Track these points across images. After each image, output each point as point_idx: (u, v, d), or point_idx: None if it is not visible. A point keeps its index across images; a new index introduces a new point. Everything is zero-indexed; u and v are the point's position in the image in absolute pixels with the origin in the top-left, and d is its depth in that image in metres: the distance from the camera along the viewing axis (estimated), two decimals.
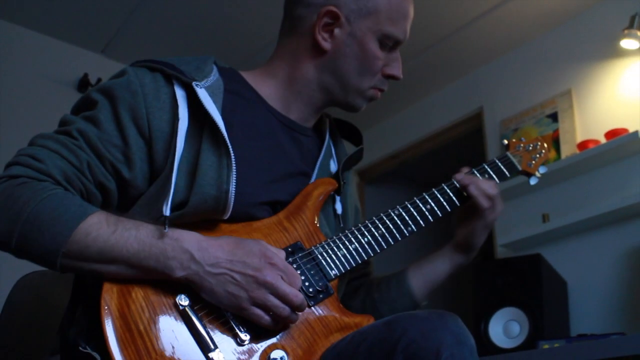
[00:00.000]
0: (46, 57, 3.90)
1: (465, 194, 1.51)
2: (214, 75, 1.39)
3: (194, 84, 1.32)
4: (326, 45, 1.44)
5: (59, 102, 3.81)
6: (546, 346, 2.50)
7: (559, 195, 3.51)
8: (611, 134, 3.27)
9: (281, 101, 1.49)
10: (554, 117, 3.65)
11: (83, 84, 3.92)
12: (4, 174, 1.20)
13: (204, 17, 3.79)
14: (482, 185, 1.50)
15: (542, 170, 1.66)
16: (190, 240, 1.18)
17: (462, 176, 1.53)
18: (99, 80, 3.89)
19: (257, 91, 1.47)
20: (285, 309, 1.19)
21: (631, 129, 3.21)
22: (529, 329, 2.80)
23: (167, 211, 1.20)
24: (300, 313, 1.24)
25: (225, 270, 1.17)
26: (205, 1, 3.66)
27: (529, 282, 2.92)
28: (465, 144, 4.31)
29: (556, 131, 3.59)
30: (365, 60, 1.45)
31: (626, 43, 3.36)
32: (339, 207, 1.53)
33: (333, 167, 1.57)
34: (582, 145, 3.37)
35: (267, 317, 1.19)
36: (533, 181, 1.66)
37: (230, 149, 1.28)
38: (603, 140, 3.32)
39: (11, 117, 3.63)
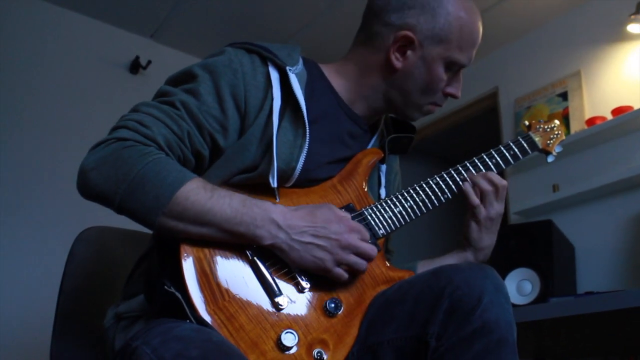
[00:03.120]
0: (100, 41, 3.92)
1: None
2: (300, 65, 1.43)
3: (287, 68, 1.35)
4: (398, 64, 1.44)
5: (113, 82, 3.88)
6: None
7: (569, 167, 3.50)
8: (617, 111, 3.26)
9: (349, 97, 1.50)
10: (564, 96, 3.64)
11: (134, 66, 3.95)
12: (112, 136, 1.21)
13: (250, 2, 3.76)
14: (477, 181, 1.46)
15: (558, 149, 1.66)
16: (277, 211, 1.21)
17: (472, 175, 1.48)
18: (149, 62, 3.93)
19: (330, 83, 1.49)
20: (364, 264, 1.26)
21: (636, 107, 3.21)
22: (540, 288, 2.81)
23: (274, 183, 1.26)
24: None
25: (311, 238, 1.21)
26: None
27: (541, 246, 2.93)
28: (482, 121, 4.30)
29: (566, 109, 3.59)
30: (430, 82, 1.45)
31: (632, 28, 3.35)
32: (383, 173, 1.56)
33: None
34: (590, 121, 3.37)
35: (346, 275, 1.25)
36: (550, 159, 1.66)
37: (307, 132, 1.32)
38: (609, 117, 3.31)
39: (70, 98, 3.68)
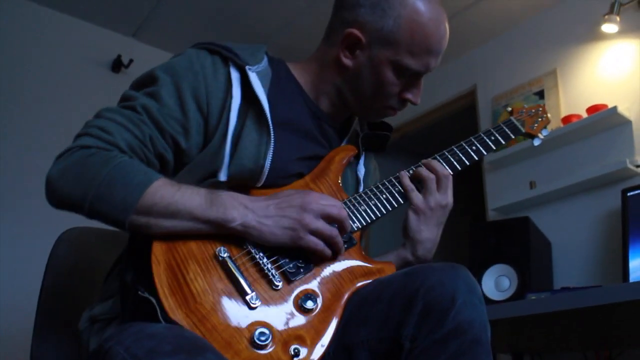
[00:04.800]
0: (82, 40, 3.89)
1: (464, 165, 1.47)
2: (265, 63, 1.41)
3: (247, 67, 1.34)
4: (347, 62, 1.41)
5: (95, 81, 3.85)
6: (533, 297, 2.53)
7: (545, 164, 3.53)
8: (592, 109, 3.28)
9: (314, 93, 1.48)
10: (540, 94, 3.66)
11: (116, 64, 3.92)
12: (75, 144, 1.22)
13: (231, 1, 3.76)
14: (418, 169, 1.44)
15: (544, 132, 1.62)
16: (242, 195, 1.22)
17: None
18: (131, 61, 3.90)
19: (297, 80, 1.48)
20: (333, 230, 1.24)
21: (610, 105, 3.22)
22: (517, 283, 2.82)
23: (222, 177, 1.25)
24: (344, 239, 1.27)
25: (276, 212, 1.21)
26: None
27: (518, 242, 2.94)
28: (460, 118, 4.30)
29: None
30: (379, 85, 1.41)
31: (606, 27, 3.36)
32: (360, 171, 1.54)
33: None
34: (566, 119, 3.38)
35: (321, 243, 1.23)
36: (536, 142, 1.62)
37: (272, 130, 1.31)
38: (584, 114, 3.33)
39: (52, 97, 3.66)
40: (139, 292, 1.13)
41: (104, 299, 1.32)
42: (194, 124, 1.30)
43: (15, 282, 3.18)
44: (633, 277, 2.66)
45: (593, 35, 3.51)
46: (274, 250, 1.24)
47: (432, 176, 1.41)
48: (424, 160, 1.46)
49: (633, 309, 1.95)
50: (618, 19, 3.28)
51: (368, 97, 1.44)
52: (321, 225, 1.23)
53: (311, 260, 1.27)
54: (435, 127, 4.55)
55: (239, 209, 1.20)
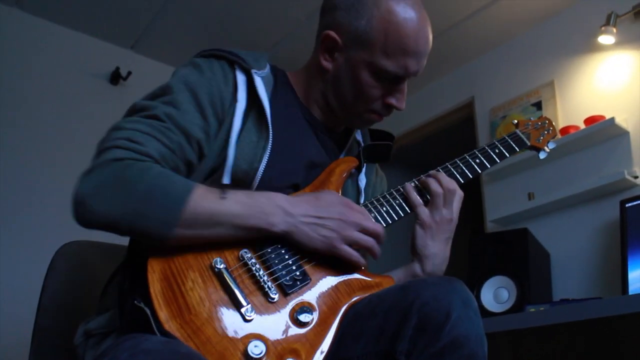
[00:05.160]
0: (80, 52, 3.88)
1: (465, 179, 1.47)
2: (267, 70, 1.42)
3: (252, 71, 1.35)
4: (327, 65, 1.42)
5: (94, 93, 3.85)
6: (533, 310, 2.52)
7: (543, 175, 3.52)
8: (589, 121, 3.28)
9: (307, 101, 1.48)
10: (538, 105, 3.65)
11: (115, 77, 3.91)
12: (106, 158, 1.16)
13: (230, 14, 3.76)
14: (427, 181, 1.42)
15: (551, 145, 1.60)
16: (280, 198, 1.23)
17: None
18: (129, 73, 3.90)
19: (294, 88, 1.48)
20: (370, 240, 1.29)
21: (607, 116, 3.22)
22: (516, 295, 2.82)
23: (226, 180, 1.26)
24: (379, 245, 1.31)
25: (315, 219, 1.24)
26: None
27: (517, 254, 2.94)
28: (458, 130, 4.31)
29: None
30: (358, 87, 1.39)
31: (603, 39, 3.36)
32: (362, 182, 1.52)
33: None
34: (564, 130, 3.37)
35: (355, 253, 1.27)
36: (542, 155, 1.60)
37: (271, 134, 1.32)
38: (582, 126, 3.32)
39: (50, 109, 3.65)
40: (135, 302, 1.12)
41: (99, 313, 1.31)
42: (213, 130, 1.31)
43: (14, 295, 3.15)
44: (632, 288, 2.65)
45: (590, 46, 3.51)
46: (270, 262, 1.23)
47: (439, 191, 1.41)
48: (429, 173, 1.46)
49: (633, 321, 1.94)
50: (615, 30, 3.28)
51: (350, 101, 1.43)
52: (358, 236, 1.27)
53: (343, 268, 1.30)
54: (433, 139, 4.55)
55: (279, 214, 1.22)
